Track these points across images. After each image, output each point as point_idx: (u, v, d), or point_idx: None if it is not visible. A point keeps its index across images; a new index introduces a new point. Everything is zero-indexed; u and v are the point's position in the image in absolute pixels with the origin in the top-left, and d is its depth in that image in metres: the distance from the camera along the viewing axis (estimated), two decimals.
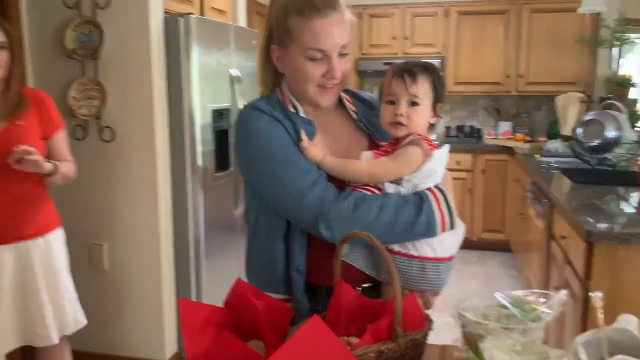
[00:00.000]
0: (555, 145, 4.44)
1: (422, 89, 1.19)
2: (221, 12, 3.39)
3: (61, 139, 2.17)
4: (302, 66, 1.19)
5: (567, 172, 3.33)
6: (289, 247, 1.22)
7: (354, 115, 1.33)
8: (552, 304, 0.92)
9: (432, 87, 1.21)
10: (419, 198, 1.17)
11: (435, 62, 5.05)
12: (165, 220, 2.77)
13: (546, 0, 4.88)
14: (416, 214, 1.14)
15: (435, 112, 1.23)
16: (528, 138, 4.94)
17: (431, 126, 1.25)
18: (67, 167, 2.15)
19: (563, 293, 0.93)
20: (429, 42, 5.17)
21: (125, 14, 2.62)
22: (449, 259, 1.22)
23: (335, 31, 1.18)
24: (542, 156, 4.06)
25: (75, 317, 2.20)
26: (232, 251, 3.11)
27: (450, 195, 1.20)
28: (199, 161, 2.83)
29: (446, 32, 5.12)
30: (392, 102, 1.21)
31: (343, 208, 1.13)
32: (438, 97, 1.22)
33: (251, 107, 1.24)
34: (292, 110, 1.25)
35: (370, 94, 1.45)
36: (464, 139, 5.37)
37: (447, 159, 1.24)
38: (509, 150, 4.87)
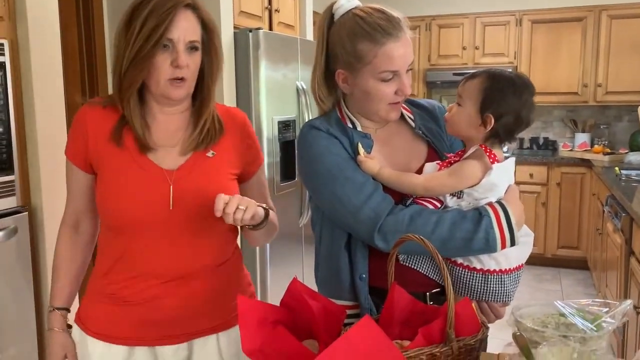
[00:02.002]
0: (637, 157, 4.19)
1: (468, 89, 1.18)
2: (289, 26, 3.48)
3: (262, 180, 1.45)
4: (374, 87, 1.21)
5: None
6: (351, 255, 1.24)
7: (411, 123, 1.33)
8: (615, 314, 0.88)
9: (481, 92, 1.15)
10: (478, 214, 1.15)
11: None
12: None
13: (627, 6, 4.64)
14: (474, 231, 1.12)
15: (483, 121, 1.16)
16: (607, 150, 4.69)
17: (491, 138, 1.19)
18: (274, 217, 1.37)
19: (627, 303, 0.89)
20: (500, 51, 5.04)
21: None
22: (516, 269, 1.19)
23: (404, 51, 1.20)
24: (622, 169, 3.84)
25: None
26: (295, 260, 3.16)
27: (514, 211, 1.15)
28: (265, 172, 2.90)
29: (518, 41, 4.98)
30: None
31: (398, 221, 1.14)
32: (486, 105, 1.15)
33: (309, 126, 1.27)
34: (349, 125, 1.27)
35: (429, 100, 1.44)
36: (537, 151, 5.17)
37: (512, 172, 1.21)
38: (586, 163, 4.64)
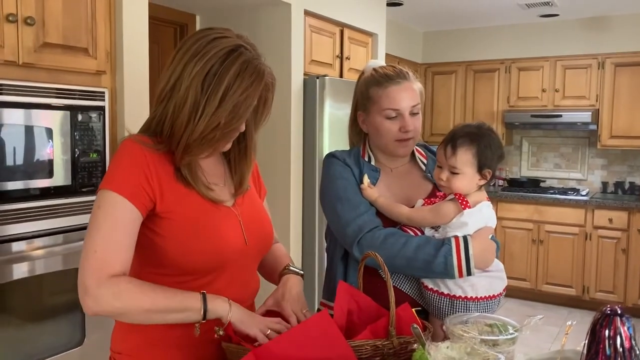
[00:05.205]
0: None
1: (462, 160, 1.36)
2: (359, 72, 3.80)
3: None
4: (381, 124, 1.48)
5: None
6: (346, 268, 1.50)
7: (422, 166, 1.58)
8: (525, 327, 1.07)
9: (475, 157, 1.36)
10: (441, 242, 1.35)
11: (587, 114, 4.90)
12: (295, 255, 3.17)
13: None
14: (434, 255, 1.33)
15: (483, 176, 1.38)
16: None
17: (482, 186, 1.41)
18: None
19: (538, 317, 1.07)
20: (581, 94, 5.01)
21: None
22: (484, 299, 1.36)
23: (406, 95, 1.46)
24: None
25: None
26: None
27: (475, 246, 1.34)
28: None
29: (600, 84, 4.93)
30: (440, 167, 1.42)
31: (374, 238, 1.39)
32: (482, 164, 1.36)
33: (330, 155, 1.57)
34: (365, 159, 1.54)
35: None
36: (622, 195, 5.02)
37: (487, 215, 1.40)
38: None
